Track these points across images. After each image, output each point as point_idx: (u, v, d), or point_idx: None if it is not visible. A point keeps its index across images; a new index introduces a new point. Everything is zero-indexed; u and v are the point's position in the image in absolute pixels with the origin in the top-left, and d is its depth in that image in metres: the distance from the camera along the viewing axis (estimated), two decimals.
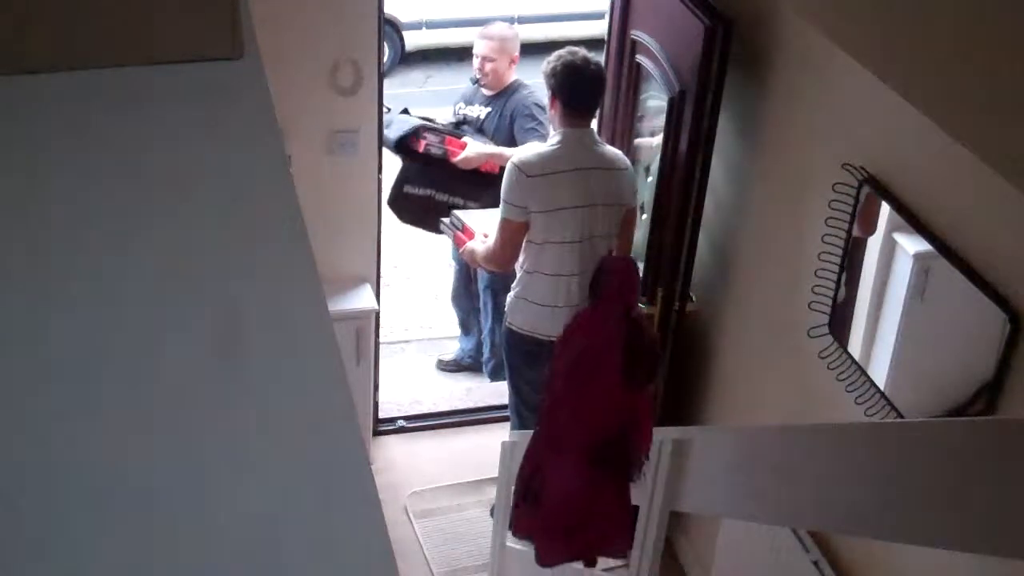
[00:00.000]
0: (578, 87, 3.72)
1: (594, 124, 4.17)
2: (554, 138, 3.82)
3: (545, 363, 4.35)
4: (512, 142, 4.75)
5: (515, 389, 4.35)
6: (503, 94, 4.76)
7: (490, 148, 4.67)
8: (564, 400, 2.94)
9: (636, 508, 3.05)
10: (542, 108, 4.74)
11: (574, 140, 3.76)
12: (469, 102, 4.85)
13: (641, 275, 3.63)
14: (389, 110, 4.54)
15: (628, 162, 3.88)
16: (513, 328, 4.05)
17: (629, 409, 2.86)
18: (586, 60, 3.77)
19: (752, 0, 3.40)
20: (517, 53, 4.76)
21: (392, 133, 4.55)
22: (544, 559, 3.14)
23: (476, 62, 4.75)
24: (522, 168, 3.74)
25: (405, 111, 4.75)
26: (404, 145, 4.61)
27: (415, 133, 4.60)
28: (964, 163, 2.18)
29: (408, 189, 4.68)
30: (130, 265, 0.90)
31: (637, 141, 4.23)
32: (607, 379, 2.82)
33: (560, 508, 2.99)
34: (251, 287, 0.91)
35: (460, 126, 4.79)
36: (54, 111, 1.04)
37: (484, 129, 4.78)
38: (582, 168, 3.76)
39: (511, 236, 3.86)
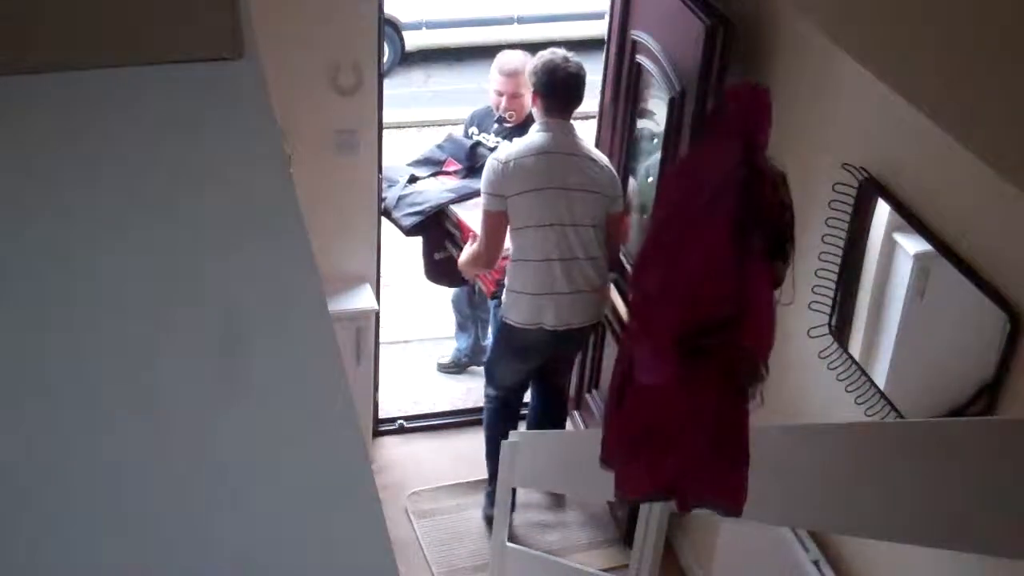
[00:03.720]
0: (555, 83, 3.90)
1: (593, 128, 4.18)
2: (533, 128, 3.99)
3: (538, 354, 4.31)
4: None
5: (495, 385, 4.40)
6: (525, 124, 4.60)
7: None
8: (656, 263, 2.22)
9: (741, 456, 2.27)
10: None
11: (552, 129, 3.91)
12: (484, 128, 4.68)
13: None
14: (389, 184, 4.48)
15: (608, 161, 4.01)
16: (507, 321, 4.11)
17: (740, 286, 2.13)
18: (565, 59, 3.94)
19: (752, 0, 3.40)
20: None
21: (404, 219, 4.45)
22: (622, 488, 2.41)
23: (497, 99, 4.53)
24: (497, 157, 3.92)
25: (412, 179, 4.59)
26: (418, 230, 4.57)
27: (429, 225, 4.50)
28: (964, 163, 2.18)
29: (438, 256, 4.64)
30: (130, 265, 0.90)
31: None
32: (711, 239, 2.12)
33: (640, 411, 2.26)
34: (251, 287, 0.91)
35: (475, 148, 4.70)
36: (54, 111, 1.04)
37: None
38: (556, 152, 3.89)
39: (491, 228, 3.98)
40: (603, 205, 3.95)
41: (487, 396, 4.45)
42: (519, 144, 3.95)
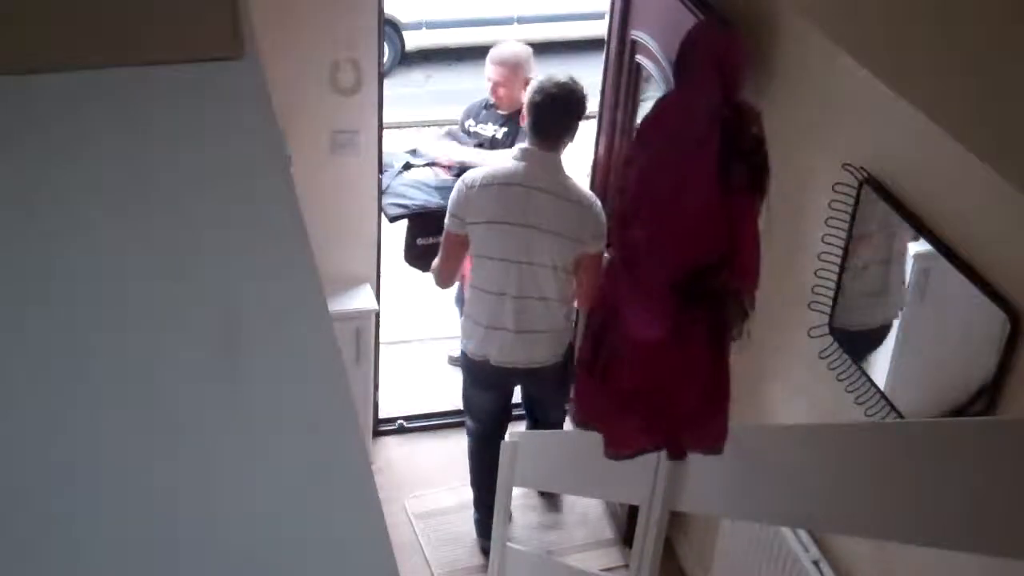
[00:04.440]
0: (539, 111, 3.72)
1: (593, 128, 4.15)
2: (510, 153, 3.84)
3: (493, 388, 4.15)
4: None
5: (471, 416, 4.32)
6: (517, 115, 4.69)
7: (465, 154, 4.64)
8: (642, 214, 2.16)
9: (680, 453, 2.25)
10: None
11: (526, 159, 3.73)
12: (480, 120, 4.76)
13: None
14: (385, 168, 4.50)
15: (594, 201, 3.77)
16: (463, 349, 4.06)
17: (728, 226, 2.12)
18: (557, 85, 3.74)
19: (752, 0, 3.40)
20: (531, 74, 4.60)
21: (389, 208, 4.49)
22: (614, 447, 2.39)
23: (488, 85, 4.68)
24: (464, 180, 3.81)
25: (407, 166, 4.64)
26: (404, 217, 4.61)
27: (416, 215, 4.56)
28: (964, 163, 2.18)
29: (420, 242, 4.66)
30: (130, 265, 0.90)
31: None
32: (699, 182, 2.07)
33: (636, 369, 2.23)
34: (251, 287, 0.91)
35: (478, 146, 4.75)
36: (54, 111, 1.04)
37: (502, 147, 4.74)
38: (526, 186, 3.70)
39: (448, 248, 3.91)
40: (568, 247, 3.73)
41: (467, 427, 4.40)
42: (489, 169, 3.82)
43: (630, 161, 2.20)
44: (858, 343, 2.96)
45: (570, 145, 3.84)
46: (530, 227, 3.71)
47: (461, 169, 4.65)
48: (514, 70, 4.58)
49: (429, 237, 4.56)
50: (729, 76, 2.07)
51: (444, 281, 4.09)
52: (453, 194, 3.84)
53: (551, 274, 3.77)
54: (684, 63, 2.14)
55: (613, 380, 2.23)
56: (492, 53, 4.67)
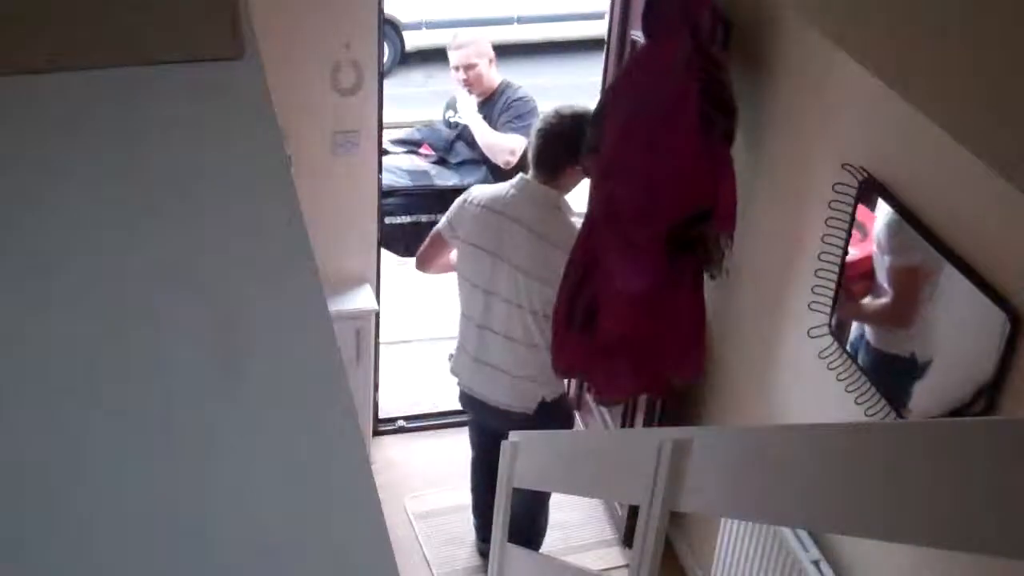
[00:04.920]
0: (540, 142, 3.58)
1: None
2: (514, 179, 3.69)
3: (472, 412, 4.00)
4: None
5: (469, 438, 4.22)
6: (493, 98, 4.80)
7: (480, 124, 4.73)
8: (621, 169, 2.12)
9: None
10: (526, 101, 4.79)
11: (523, 190, 3.58)
12: (459, 110, 4.90)
13: None
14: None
15: (565, 243, 3.43)
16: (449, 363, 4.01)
17: (710, 173, 2.08)
18: (560, 117, 3.55)
19: (752, 1, 3.40)
20: (491, 52, 4.78)
21: None
22: (606, 393, 2.36)
23: (457, 75, 4.79)
24: (466, 195, 3.75)
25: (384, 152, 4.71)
26: None
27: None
28: (964, 163, 2.18)
29: (387, 221, 4.70)
30: (130, 265, 0.90)
31: None
32: (684, 133, 2.03)
33: (624, 317, 2.23)
34: (251, 287, 0.91)
35: (453, 144, 4.86)
36: (54, 111, 1.04)
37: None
38: (507, 216, 3.56)
39: (431, 245, 3.89)
40: (538, 290, 3.47)
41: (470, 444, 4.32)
42: (490, 190, 3.73)
43: (602, 117, 2.12)
44: (887, 370, 2.87)
45: (576, 181, 3.60)
46: (498, 258, 3.58)
47: (439, 158, 4.75)
48: (476, 49, 4.67)
49: (402, 217, 4.62)
50: (698, 26, 2.05)
51: (420, 265, 4.06)
52: (455, 204, 3.79)
53: (516, 313, 3.58)
54: (654, 17, 2.11)
55: (599, 330, 2.21)
56: (450, 43, 4.80)
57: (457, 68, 4.75)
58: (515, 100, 4.80)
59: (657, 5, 2.05)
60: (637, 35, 3.95)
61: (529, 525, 4.16)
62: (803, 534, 3.23)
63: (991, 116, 1.12)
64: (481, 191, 3.75)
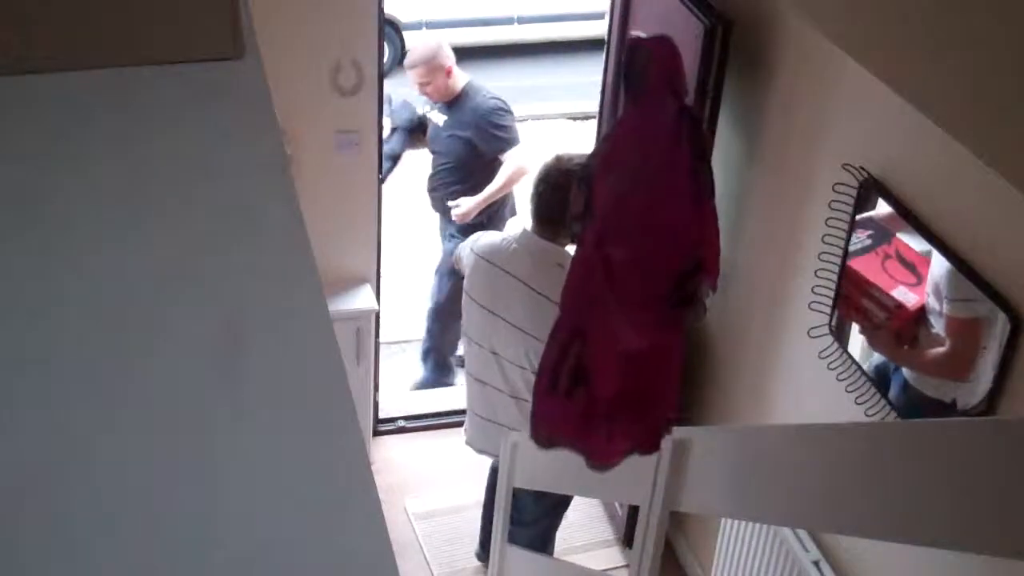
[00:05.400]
0: (538, 199, 3.46)
1: (593, 128, 4.11)
2: (516, 232, 3.58)
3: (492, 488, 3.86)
4: (472, 151, 4.85)
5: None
6: (457, 101, 4.87)
7: (480, 197, 4.80)
8: (624, 236, 2.17)
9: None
10: (497, 110, 4.82)
11: (523, 243, 3.47)
12: (432, 108, 5.01)
13: None
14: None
15: None
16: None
17: (701, 229, 2.16)
18: (559, 168, 3.42)
19: (752, 0, 3.40)
20: (448, 62, 4.83)
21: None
22: (600, 459, 2.36)
23: (416, 90, 4.95)
24: (474, 243, 3.62)
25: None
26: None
27: None
28: (964, 163, 2.18)
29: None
30: (130, 265, 0.90)
31: None
32: (679, 199, 2.10)
33: (619, 376, 2.22)
34: (251, 287, 0.91)
35: (422, 122, 5.17)
36: (54, 111, 1.04)
37: (438, 138, 4.90)
38: (506, 271, 3.45)
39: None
40: (532, 345, 3.33)
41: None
42: (493, 237, 3.63)
43: (590, 185, 2.18)
44: (921, 410, 2.78)
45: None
46: (496, 316, 3.48)
47: (403, 131, 5.08)
48: (427, 68, 4.75)
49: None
50: (678, 84, 2.12)
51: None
52: (467, 247, 3.68)
53: (521, 373, 3.47)
54: (634, 82, 2.16)
55: (591, 396, 2.23)
56: (405, 61, 4.91)
57: (415, 85, 4.90)
58: (486, 112, 4.80)
59: (637, 72, 2.09)
60: (637, 35, 3.95)
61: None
62: (803, 534, 3.23)
63: (991, 116, 1.12)
64: (487, 240, 3.61)
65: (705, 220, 2.15)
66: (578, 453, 2.32)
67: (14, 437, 0.75)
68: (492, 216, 4.93)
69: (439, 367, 5.29)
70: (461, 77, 4.90)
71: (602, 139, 2.08)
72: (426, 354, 5.31)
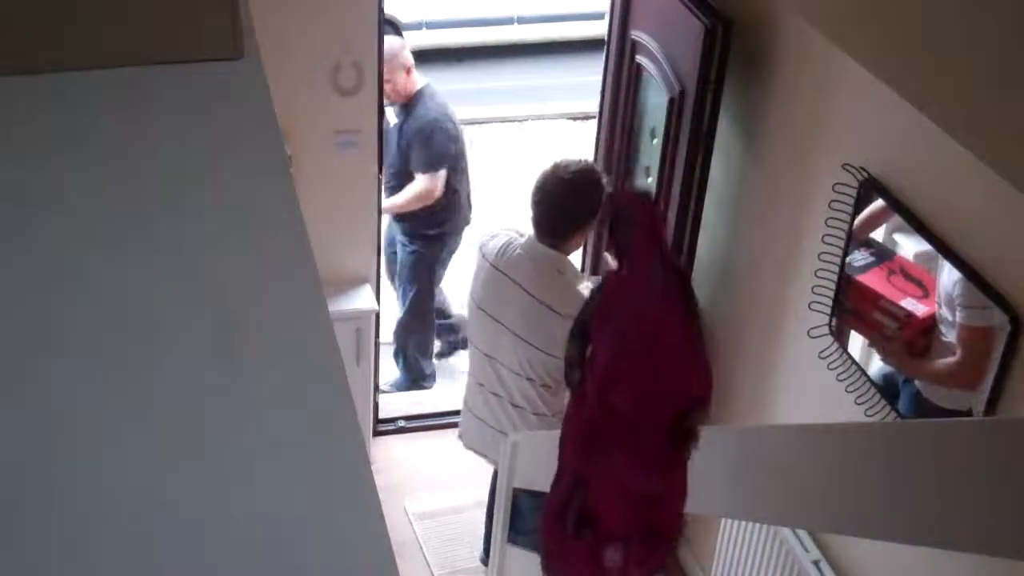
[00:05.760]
0: (537, 207, 3.40)
1: (593, 128, 4.13)
2: (523, 238, 3.48)
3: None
4: (406, 160, 4.83)
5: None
6: (410, 104, 4.84)
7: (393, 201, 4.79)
8: (626, 384, 2.30)
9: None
10: (440, 128, 4.77)
11: (527, 250, 3.41)
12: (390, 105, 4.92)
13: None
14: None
15: (568, 311, 3.23)
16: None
17: (695, 362, 2.31)
18: (556, 177, 3.37)
19: (752, 0, 3.40)
20: (409, 62, 4.79)
21: None
22: None
23: None
24: (482, 245, 3.55)
25: None
26: None
27: None
28: (964, 163, 2.18)
29: None
30: (130, 265, 0.90)
31: None
32: (674, 338, 2.26)
33: (638, 517, 2.37)
34: (251, 287, 0.91)
35: None
36: (54, 111, 1.04)
37: (390, 141, 4.85)
38: (510, 278, 3.39)
39: None
40: (542, 359, 3.35)
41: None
42: (501, 237, 3.50)
43: (598, 333, 2.29)
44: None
45: (579, 243, 3.53)
46: (498, 323, 3.43)
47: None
48: (391, 65, 4.65)
49: None
50: (664, 247, 2.26)
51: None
52: (480, 239, 3.62)
53: (518, 381, 3.46)
54: (620, 241, 2.25)
55: (599, 533, 2.34)
56: None
57: None
58: (423, 124, 4.77)
59: (622, 233, 2.23)
60: (637, 35, 3.96)
61: None
62: (803, 534, 3.23)
63: (991, 116, 1.13)
64: (495, 241, 3.50)
65: (697, 351, 2.31)
66: None
67: (14, 437, 0.75)
68: (448, 230, 4.98)
69: (410, 368, 5.32)
70: (419, 80, 4.85)
71: (597, 288, 2.26)
72: (396, 355, 5.34)
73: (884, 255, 2.85)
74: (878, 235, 2.90)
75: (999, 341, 2.44)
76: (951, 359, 2.67)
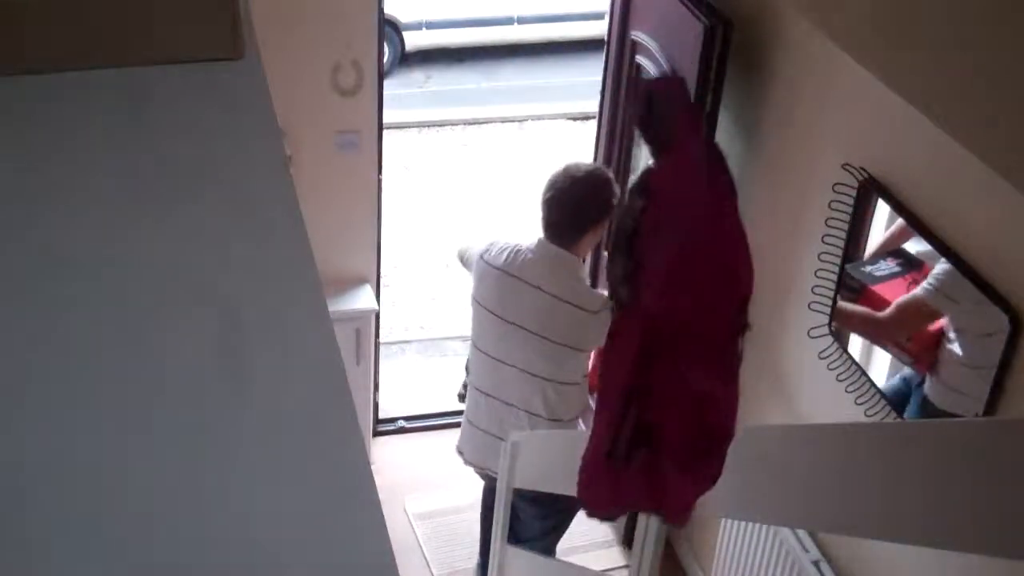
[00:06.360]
0: (548, 207, 3.37)
1: (593, 128, 4.13)
2: (531, 242, 3.45)
3: (484, 485, 3.74)
4: None
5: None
6: None
7: None
8: (688, 285, 2.14)
9: None
10: None
11: (540, 253, 3.38)
12: None
13: None
14: None
15: (599, 305, 3.31)
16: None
17: (748, 252, 2.17)
18: (568, 178, 3.35)
19: (752, 0, 3.40)
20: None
21: None
22: (675, 517, 2.33)
23: None
24: (484, 251, 3.49)
25: None
26: None
27: None
28: (964, 163, 2.18)
29: None
30: (130, 265, 0.90)
31: None
32: (731, 225, 2.13)
33: (699, 421, 2.20)
34: (251, 287, 0.91)
35: None
36: (54, 111, 1.04)
37: None
38: (523, 280, 3.36)
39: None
40: (559, 354, 3.34)
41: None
42: (506, 245, 3.45)
43: (634, 245, 2.18)
44: None
45: (591, 245, 3.50)
46: (511, 324, 3.39)
47: None
48: None
49: None
50: (699, 121, 2.13)
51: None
52: (475, 255, 3.54)
53: (528, 383, 3.43)
54: (657, 130, 2.09)
55: (655, 449, 2.21)
56: None
57: None
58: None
59: (658, 118, 2.10)
60: (637, 35, 3.96)
61: None
62: (803, 534, 3.23)
63: (991, 116, 1.12)
64: (499, 249, 3.46)
65: (750, 252, 2.14)
66: (649, 513, 2.31)
67: (14, 437, 0.75)
68: None
69: None
70: None
71: (636, 188, 2.10)
72: None
73: (912, 265, 2.81)
74: (878, 234, 2.89)
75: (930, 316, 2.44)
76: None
